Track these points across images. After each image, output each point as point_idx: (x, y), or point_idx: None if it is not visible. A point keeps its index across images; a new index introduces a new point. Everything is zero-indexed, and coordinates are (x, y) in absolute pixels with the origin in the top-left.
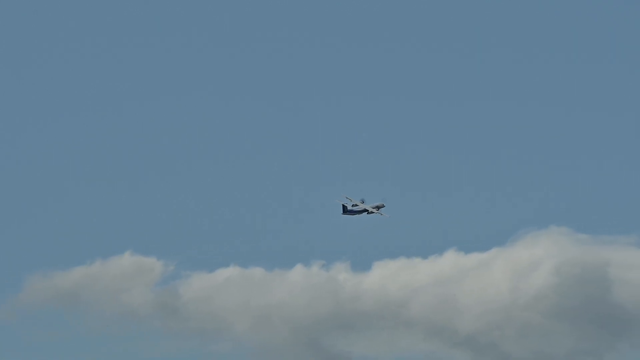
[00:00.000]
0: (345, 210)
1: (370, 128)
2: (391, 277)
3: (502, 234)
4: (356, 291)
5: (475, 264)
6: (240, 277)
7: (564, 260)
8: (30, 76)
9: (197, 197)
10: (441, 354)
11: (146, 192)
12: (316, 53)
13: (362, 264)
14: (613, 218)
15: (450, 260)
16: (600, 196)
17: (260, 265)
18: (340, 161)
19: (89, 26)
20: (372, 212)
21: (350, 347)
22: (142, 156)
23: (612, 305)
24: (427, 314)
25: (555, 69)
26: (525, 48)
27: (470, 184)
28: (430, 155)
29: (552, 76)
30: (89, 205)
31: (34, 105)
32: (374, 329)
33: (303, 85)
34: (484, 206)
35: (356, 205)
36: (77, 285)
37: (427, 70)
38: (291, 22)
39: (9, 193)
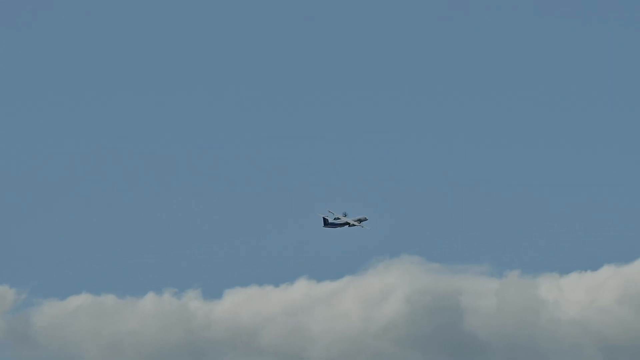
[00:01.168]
0: (326, 223)
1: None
2: (242, 305)
3: (354, 262)
4: (207, 319)
5: (326, 293)
6: (92, 304)
7: (415, 289)
8: None
9: (48, 222)
10: None
11: None
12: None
13: (213, 292)
14: (465, 247)
15: (301, 289)
16: (451, 225)
17: (112, 292)
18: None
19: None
20: (353, 225)
21: None
22: None
23: (463, 334)
24: (278, 342)
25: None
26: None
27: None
28: (276, 189)
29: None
30: None
31: None
32: (226, 357)
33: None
34: (336, 234)
35: (338, 218)
36: None
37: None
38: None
39: None
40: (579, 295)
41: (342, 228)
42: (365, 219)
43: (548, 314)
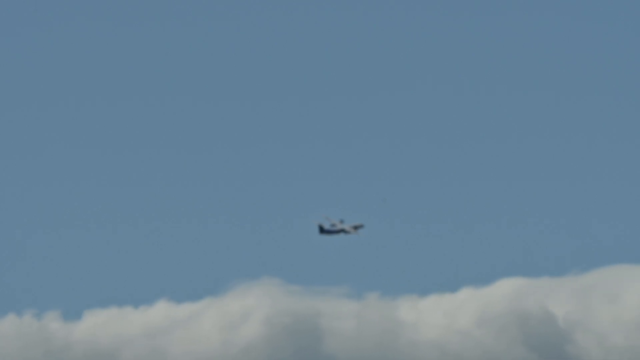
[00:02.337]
0: (322, 231)
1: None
2: (102, 326)
3: (215, 284)
4: (67, 341)
5: (186, 314)
6: None
7: (275, 311)
8: None
9: None
10: None
11: None
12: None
13: (73, 313)
14: (324, 269)
15: (161, 310)
16: (311, 248)
17: None
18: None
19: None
20: (349, 232)
21: None
22: None
23: (323, 356)
24: None
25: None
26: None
27: (189, 235)
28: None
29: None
30: None
31: None
32: None
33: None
34: (197, 255)
35: (334, 225)
36: None
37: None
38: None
39: None
40: (437, 317)
41: (338, 235)
42: (362, 226)
43: (407, 336)
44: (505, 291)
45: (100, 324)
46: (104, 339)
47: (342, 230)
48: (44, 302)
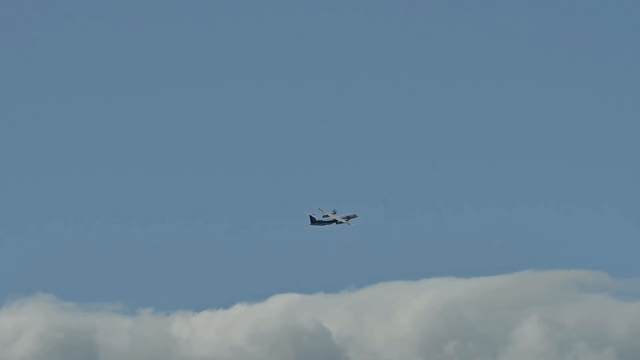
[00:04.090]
0: (313, 221)
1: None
2: None
3: None
4: None
5: None
6: None
7: (48, 328)
8: None
9: None
10: None
11: None
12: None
13: None
14: (98, 286)
15: None
16: (85, 264)
17: None
18: None
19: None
20: (341, 222)
21: None
22: None
23: None
24: None
25: None
26: None
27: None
28: None
29: None
30: None
31: None
32: None
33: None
34: None
35: (327, 215)
36: None
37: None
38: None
39: None
40: (210, 333)
41: (330, 226)
42: (355, 216)
43: (180, 352)
44: (279, 307)
45: None
46: None
47: (334, 221)
48: None
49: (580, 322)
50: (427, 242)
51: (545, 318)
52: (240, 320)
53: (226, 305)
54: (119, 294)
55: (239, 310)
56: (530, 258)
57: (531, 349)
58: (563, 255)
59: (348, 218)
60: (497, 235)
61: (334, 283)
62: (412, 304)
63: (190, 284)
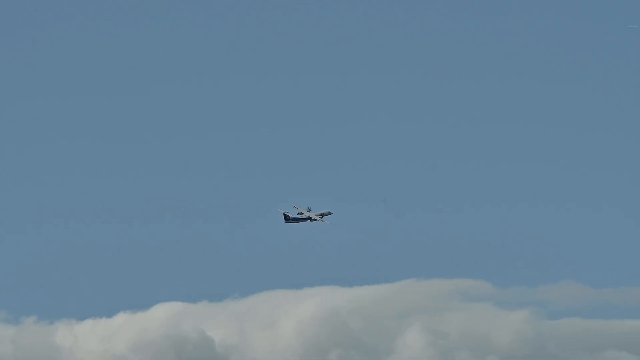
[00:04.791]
0: (287, 219)
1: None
2: None
3: None
4: None
5: None
6: None
7: None
8: None
9: None
10: None
11: None
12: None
13: None
14: None
15: None
16: None
17: None
18: None
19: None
20: (315, 220)
21: None
22: None
23: None
24: None
25: None
26: None
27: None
28: None
29: None
30: None
31: None
32: None
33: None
34: None
35: (301, 213)
36: None
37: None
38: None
39: None
40: (93, 342)
41: (304, 223)
42: (330, 213)
43: None
44: (163, 316)
45: None
46: None
47: (309, 218)
48: None
49: (463, 331)
50: (312, 252)
51: (428, 327)
52: (123, 329)
53: (109, 314)
54: (1, 302)
55: (122, 318)
56: (412, 267)
57: (414, 357)
58: (446, 264)
59: (322, 215)
60: (382, 244)
61: (218, 292)
62: (295, 313)
63: (74, 292)
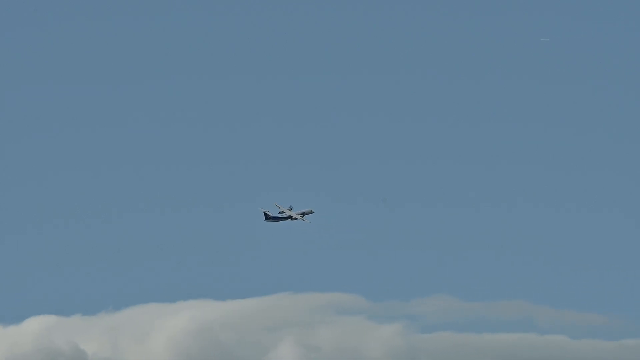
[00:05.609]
0: (268, 218)
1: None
2: None
3: None
4: None
5: None
6: None
7: None
8: None
9: None
10: None
11: None
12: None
13: None
14: None
15: None
16: None
17: None
18: None
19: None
20: (296, 219)
21: None
22: None
23: None
24: None
25: None
26: None
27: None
28: None
29: None
30: None
31: None
32: None
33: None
34: None
35: (283, 212)
36: None
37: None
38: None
39: None
40: None
41: (285, 222)
42: (311, 212)
43: None
44: (35, 329)
45: None
46: None
47: (290, 217)
48: None
49: (336, 345)
50: (184, 266)
51: (300, 340)
52: None
53: None
54: None
55: None
56: (287, 281)
57: None
58: (320, 278)
59: (304, 214)
60: (256, 258)
61: (91, 305)
62: (167, 326)
63: None
